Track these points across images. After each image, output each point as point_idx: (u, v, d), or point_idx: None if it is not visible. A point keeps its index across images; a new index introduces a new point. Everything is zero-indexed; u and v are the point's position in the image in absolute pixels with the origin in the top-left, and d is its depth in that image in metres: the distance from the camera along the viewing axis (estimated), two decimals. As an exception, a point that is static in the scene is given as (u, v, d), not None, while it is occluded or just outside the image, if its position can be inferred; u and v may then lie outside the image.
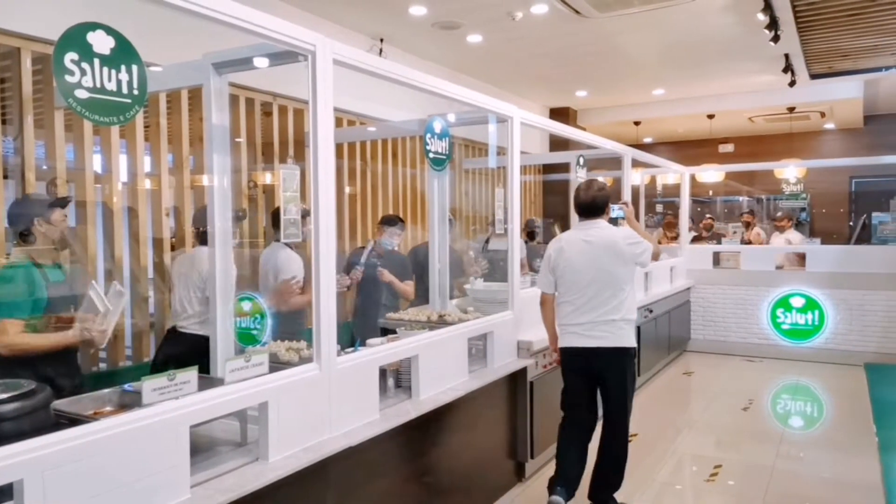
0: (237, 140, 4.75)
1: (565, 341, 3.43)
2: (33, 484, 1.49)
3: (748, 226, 9.23)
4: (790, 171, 10.07)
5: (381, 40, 6.35)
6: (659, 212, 10.08)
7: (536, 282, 3.75)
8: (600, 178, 3.79)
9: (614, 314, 3.31)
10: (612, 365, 3.35)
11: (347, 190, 5.88)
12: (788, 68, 7.52)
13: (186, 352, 3.20)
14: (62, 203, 2.86)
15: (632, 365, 3.44)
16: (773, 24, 5.92)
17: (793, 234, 8.42)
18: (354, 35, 6.09)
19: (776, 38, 6.10)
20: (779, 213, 9.12)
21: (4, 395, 1.72)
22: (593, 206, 3.43)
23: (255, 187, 5.08)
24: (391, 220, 4.62)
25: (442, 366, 3.13)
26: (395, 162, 6.58)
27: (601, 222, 3.44)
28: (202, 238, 3.44)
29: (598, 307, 3.32)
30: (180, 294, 3.53)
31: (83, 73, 1.66)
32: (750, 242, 8.74)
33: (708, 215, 9.98)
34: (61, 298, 2.67)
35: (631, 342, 3.38)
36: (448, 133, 3.60)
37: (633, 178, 6.73)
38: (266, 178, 5.16)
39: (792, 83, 7.83)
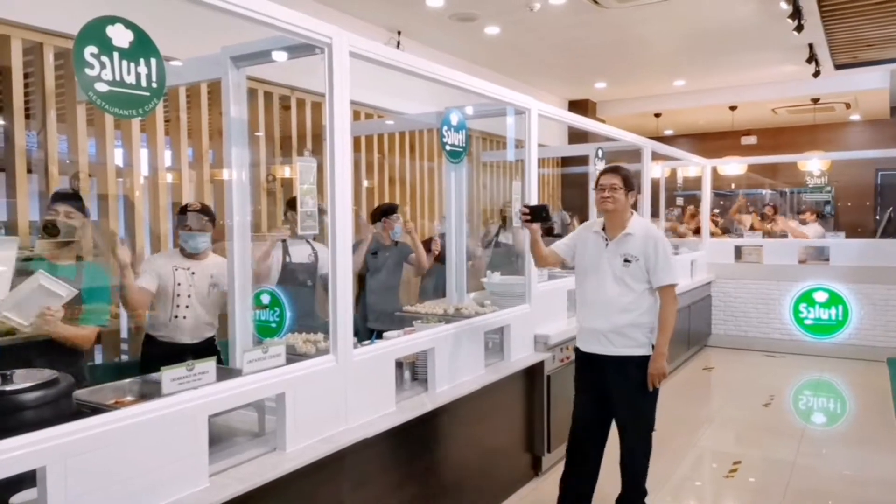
0: (256, 134, 4.78)
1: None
2: (56, 471, 1.51)
3: (765, 218, 9.09)
4: (814, 164, 9.91)
5: (399, 33, 6.34)
6: (679, 205, 9.94)
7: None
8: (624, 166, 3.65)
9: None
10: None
11: (365, 183, 5.89)
12: (812, 58, 7.39)
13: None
14: (60, 197, 2.85)
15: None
16: (797, 14, 5.81)
17: (813, 228, 8.29)
18: (372, 28, 6.09)
19: (800, 28, 5.99)
20: (804, 206, 8.97)
21: (27, 384, 1.75)
22: None
23: (273, 181, 5.11)
24: (394, 209, 4.62)
25: (458, 359, 3.13)
26: (413, 155, 6.58)
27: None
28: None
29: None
30: None
31: (102, 66, 1.68)
32: (769, 235, 8.60)
33: (716, 210, 9.79)
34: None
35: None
36: (465, 125, 3.59)
37: (654, 170, 6.67)
38: (285, 171, 5.19)
39: (816, 73, 7.69)
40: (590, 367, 3.15)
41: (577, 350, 3.26)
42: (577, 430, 3.27)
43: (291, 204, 3.98)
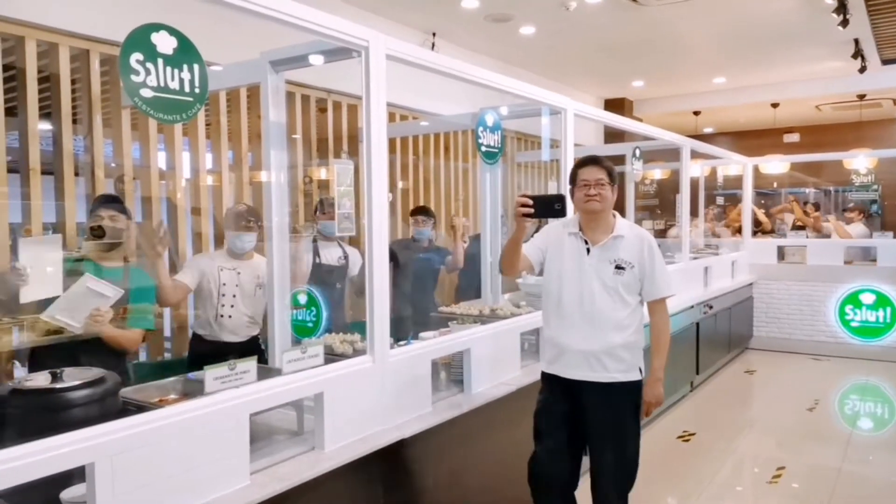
0: (293, 136, 4.84)
1: None
2: (104, 467, 1.56)
3: (807, 216, 8.83)
4: (860, 162, 9.59)
5: (434, 35, 6.36)
6: (720, 205, 9.75)
7: None
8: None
9: None
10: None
11: (400, 185, 5.92)
12: (858, 54, 7.16)
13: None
14: (104, 200, 2.93)
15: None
16: (842, 8, 5.64)
17: (857, 228, 8.04)
18: (406, 30, 6.12)
19: (845, 23, 5.81)
20: (850, 205, 8.70)
21: (76, 382, 1.80)
22: None
23: (310, 182, 5.18)
24: (423, 210, 4.67)
25: (494, 360, 3.12)
26: (448, 156, 6.58)
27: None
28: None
29: None
30: None
31: (148, 72, 1.72)
32: (815, 231, 8.35)
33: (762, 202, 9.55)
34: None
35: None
36: (500, 126, 3.58)
37: (693, 169, 6.56)
38: (321, 173, 5.25)
39: (862, 69, 7.46)
40: (566, 397, 2.60)
41: (549, 377, 2.66)
42: (541, 487, 2.67)
43: (318, 206, 4.07)
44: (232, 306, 3.32)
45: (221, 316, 3.31)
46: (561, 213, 2.39)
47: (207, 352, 3.23)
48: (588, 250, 2.56)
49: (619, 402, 2.55)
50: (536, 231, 2.87)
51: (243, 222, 3.32)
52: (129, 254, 2.92)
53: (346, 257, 3.99)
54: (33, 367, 2.62)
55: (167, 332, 4.05)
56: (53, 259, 2.41)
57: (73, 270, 2.60)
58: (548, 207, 2.40)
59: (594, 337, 2.52)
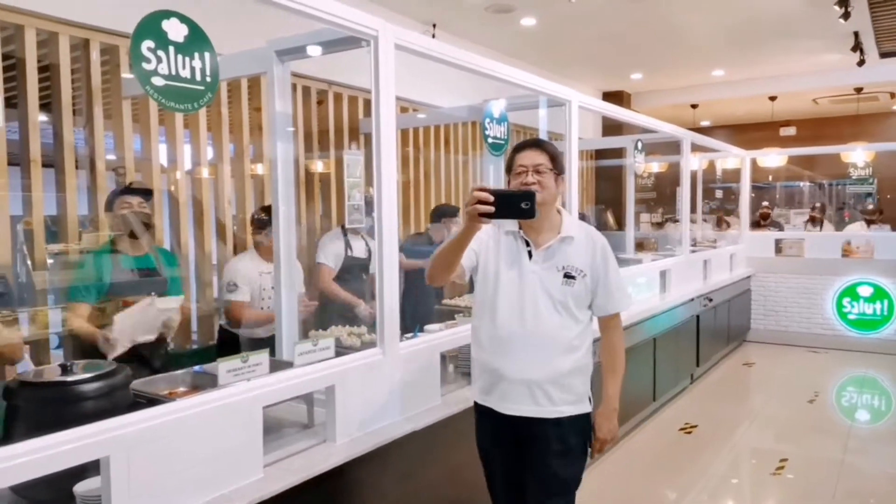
0: (288, 129, 4.79)
1: None
2: (119, 460, 1.53)
3: (814, 221, 8.85)
4: (858, 155, 9.62)
5: (434, 25, 6.32)
6: (718, 198, 9.77)
7: None
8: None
9: None
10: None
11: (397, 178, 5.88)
12: (857, 47, 7.16)
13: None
14: (129, 190, 2.95)
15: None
16: (844, 0, 5.64)
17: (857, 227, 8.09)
18: (407, 20, 6.08)
19: (846, 16, 5.81)
20: (870, 206, 8.68)
21: (88, 375, 1.78)
22: None
23: (308, 175, 5.13)
24: (455, 211, 4.67)
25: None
26: (448, 149, 6.55)
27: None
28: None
29: None
30: None
31: (159, 60, 1.69)
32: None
33: (765, 203, 9.60)
34: (126, 284, 2.79)
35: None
36: (506, 117, 3.56)
37: (691, 163, 6.55)
38: (317, 166, 5.21)
39: (861, 62, 7.46)
40: (507, 437, 2.14)
41: (485, 412, 2.17)
42: None
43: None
44: (269, 307, 3.39)
45: None
46: (528, 213, 1.85)
47: (238, 345, 3.38)
48: (530, 254, 2.09)
49: (568, 441, 2.09)
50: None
51: (263, 217, 3.40)
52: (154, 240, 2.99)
53: (369, 250, 4.04)
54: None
55: (193, 324, 4.04)
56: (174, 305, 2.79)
57: (102, 264, 2.71)
58: (512, 207, 1.85)
59: (539, 362, 2.04)
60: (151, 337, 2.68)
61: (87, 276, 2.77)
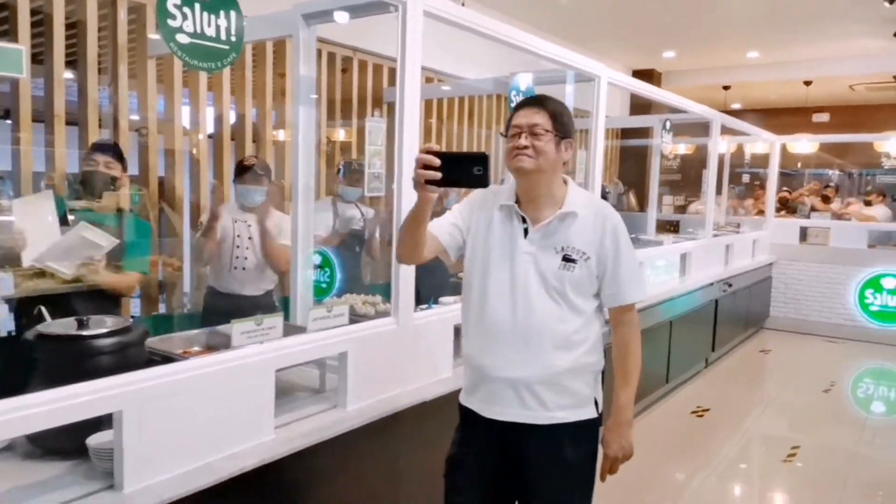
0: (311, 96, 4.77)
1: None
2: (132, 415, 1.56)
3: (826, 200, 8.70)
4: (892, 145, 9.36)
5: (464, -5, 6.21)
6: (745, 182, 9.59)
7: None
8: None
9: None
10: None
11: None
12: (900, 32, 6.95)
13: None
14: (99, 147, 2.83)
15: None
16: (890, -18, 5.45)
17: (881, 210, 7.89)
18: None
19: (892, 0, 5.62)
20: (869, 188, 8.56)
21: (104, 330, 1.80)
22: None
23: (329, 144, 5.12)
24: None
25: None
26: (472, 122, 6.49)
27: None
28: None
29: None
30: None
31: (184, 17, 1.68)
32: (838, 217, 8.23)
33: (784, 188, 9.40)
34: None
35: None
36: (533, 91, 3.50)
37: (719, 146, 6.43)
38: (339, 134, 5.19)
39: (902, 48, 7.24)
40: (487, 443, 1.86)
41: (466, 412, 1.92)
42: None
43: (341, 169, 4.07)
44: (246, 258, 3.35)
45: (236, 268, 3.34)
46: (481, 181, 1.58)
47: (221, 305, 3.29)
48: (526, 231, 1.80)
49: (566, 454, 1.80)
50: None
51: (252, 176, 3.29)
52: (122, 202, 2.85)
53: (363, 219, 3.98)
54: (24, 315, 2.48)
55: (186, 287, 4.07)
56: (48, 214, 2.38)
57: (65, 218, 2.54)
58: (463, 171, 1.57)
59: (528, 359, 1.76)
60: (64, 270, 2.30)
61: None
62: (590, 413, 1.84)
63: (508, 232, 1.81)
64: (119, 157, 2.78)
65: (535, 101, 1.80)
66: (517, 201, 1.82)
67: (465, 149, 6.20)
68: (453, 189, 3.54)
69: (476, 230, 1.86)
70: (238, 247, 3.32)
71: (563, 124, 1.77)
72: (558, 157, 1.77)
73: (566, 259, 1.77)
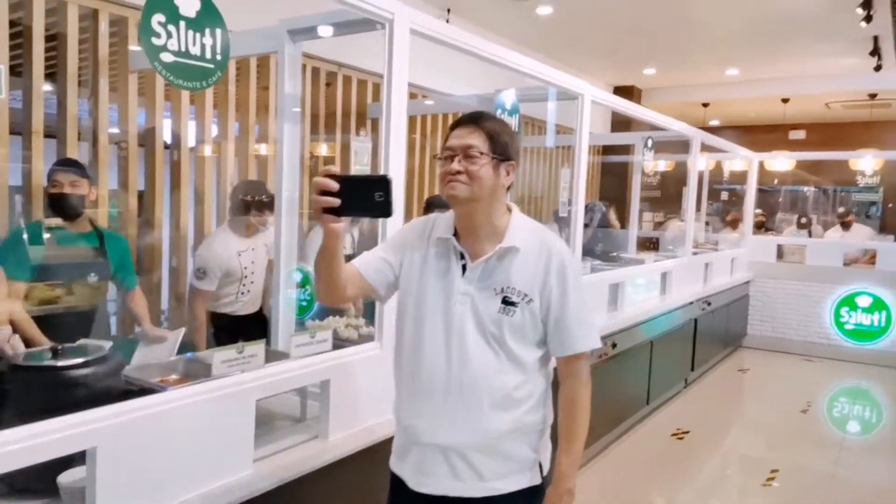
0: (293, 110, 4.72)
1: None
2: (106, 451, 1.49)
3: (801, 227, 8.84)
4: (867, 162, 9.55)
5: (448, 10, 6.21)
6: (724, 199, 9.70)
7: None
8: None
9: None
10: None
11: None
12: (876, 51, 7.08)
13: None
14: (61, 165, 2.76)
15: None
16: (868, 3, 5.55)
17: (863, 230, 8.03)
18: (420, 4, 5.97)
19: (869, 18, 5.71)
20: (841, 209, 8.71)
21: (79, 360, 1.72)
22: None
23: (312, 159, 5.07)
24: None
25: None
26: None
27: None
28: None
29: None
30: None
31: (169, 35, 1.63)
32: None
33: (758, 210, 9.46)
34: (54, 266, 2.55)
35: None
36: (518, 109, 3.49)
37: (699, 162, 6.48)
38: (321, 149, 5.13)
39: (878, 67, 7.38)
40: None
41: (396, 481, 1.70)
42: None
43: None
44: (252, 282, 3.43)
45: (242, 294, 3.41)
46: (382, 209, 1.37)
47: (227, 325, 3.35)
48: (464, 269, 1.58)
49: None
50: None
51: (265, 200, 3.30)
52: (94, 218, 2.79)
53: (353, 240, 3.95)
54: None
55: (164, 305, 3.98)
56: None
57: (38, 238, 2.50)
58: (362, 197, 1.36)
59: (463, 421, 1.54)
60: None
61: (20, 252, 2.49)
62: (533, 479, 1.61)
63: (444, 269, 1.58)
64: (82, 173, 2.69)
65: (470, 120, 1.56)
66: (455, 234, 1.60)
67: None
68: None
69: (409, 267, 1.62)
70: (245, 276, 3.40)
71: (502, 145, 1.54)
72: (497, 183, 1.55)
73: (506, 302, 1.54)
